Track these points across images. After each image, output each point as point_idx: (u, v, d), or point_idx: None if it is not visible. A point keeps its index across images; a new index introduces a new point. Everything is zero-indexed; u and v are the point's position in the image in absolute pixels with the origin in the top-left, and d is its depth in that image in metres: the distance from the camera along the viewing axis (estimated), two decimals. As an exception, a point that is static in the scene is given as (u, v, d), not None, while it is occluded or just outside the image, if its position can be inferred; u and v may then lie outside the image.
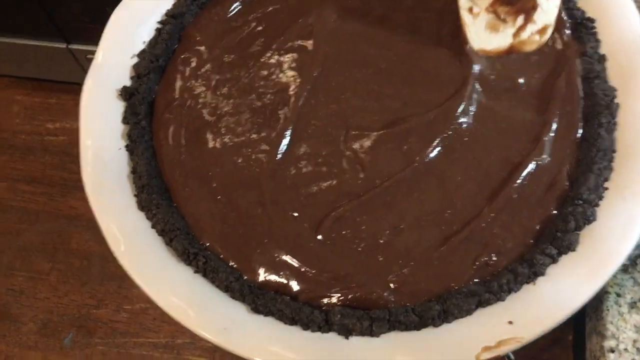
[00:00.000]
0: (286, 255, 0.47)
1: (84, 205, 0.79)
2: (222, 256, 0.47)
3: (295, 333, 0.44)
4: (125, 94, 0.52)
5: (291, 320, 0.44)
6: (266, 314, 0.45)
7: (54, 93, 0.83)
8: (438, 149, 0.49)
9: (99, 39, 0.74)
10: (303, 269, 0.46)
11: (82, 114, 0.50)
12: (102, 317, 0.69)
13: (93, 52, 0.77)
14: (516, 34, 0.52)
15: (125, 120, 0.52)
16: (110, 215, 0.47)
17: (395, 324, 0.43)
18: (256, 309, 0.45)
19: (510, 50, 0.52)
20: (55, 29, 0.73)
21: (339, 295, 0.45)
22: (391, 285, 0.45)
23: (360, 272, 0.46)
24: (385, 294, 0.45)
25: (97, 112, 0.51)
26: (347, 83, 0.53)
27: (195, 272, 0.46)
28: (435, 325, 0.43)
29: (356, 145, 0.50)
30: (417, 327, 0.43)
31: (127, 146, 0.51)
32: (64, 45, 0.75)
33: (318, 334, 0.44)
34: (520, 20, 0.51)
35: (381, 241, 0.47)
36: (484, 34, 0.52)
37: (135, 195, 0.49)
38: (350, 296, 0.45)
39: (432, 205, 0.48)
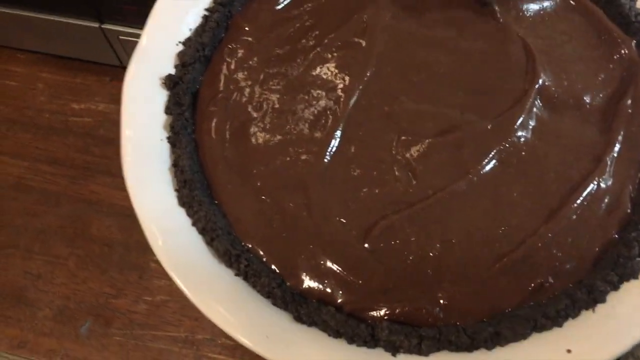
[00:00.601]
0: (332, 262, 0.45)
1: (106, 191, 0.77)
2: (264, 260, 0.45)
3: (339, 346, 0.42)
4: (170, 82, 0.50)
5: (336, 333, 0.42)
6: (309, 324, 0.43)
7: (81, 72, 0.81)
8: (494, 161, 0.47)
9: (133, 20, 0.72)
10: (349, 279, 0.44)
11: (124, 101, 0.48)
12: (120, 307, 0.67)
13: (126, 34, 0.75)
14: None
15: (168, 110, 0.50)
16: (150, 209, 0.45)
17: (445, 344, 0.41)
18: (299, 318, 0.43)
19: None
20: (90, 7, 0.70)
21: (386, 308, 0.43)
22: (441, 301, 0.43)
23: (408, 286, 0.44)
24: (434, 310, 0.43)
25: (139, 100, 0.49)
26: (401, 85, 0.50)
27: (236, 274, 0.44)
28: (488, 348, 0.41)
29: (408, 152, 0.48)
30: (469, 348, 0.41)
31: (169, 138, 0.49)
32: (96, 25, 0.73)
33: (363, 349, 0.42)
34: None
35: (431, 254, 0.45)
36: None
37: (176, 190, 0.47)
38: (397, 310, 0.43)
39: (486, 221, 0.46)
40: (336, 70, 0.51)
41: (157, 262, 0.71)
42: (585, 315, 0.42)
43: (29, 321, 0.70)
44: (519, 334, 0.41)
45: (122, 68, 0.81)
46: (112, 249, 0.73)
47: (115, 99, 0.81)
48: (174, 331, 0.68)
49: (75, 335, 0.69)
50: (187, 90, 0.50)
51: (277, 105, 0.50)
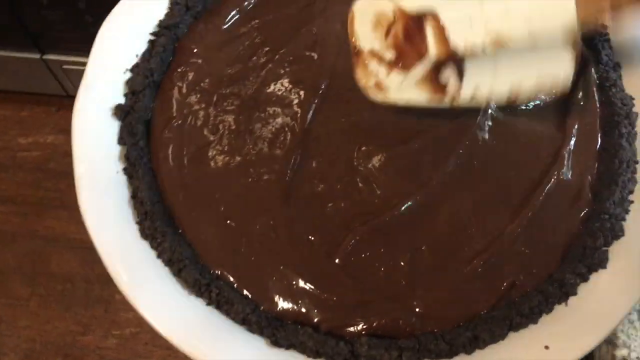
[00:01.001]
0: (304, 282, 0.44)
1: (62, 225, 0.74)
2: (235, 286, 0.44)
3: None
4: (120, 112, 0.49)
5: (315, 354, 0.42)
6: (287, 347, 0.42)
7: (26, 105, 0.78)
8: (455, 165, 0.47)
9: (76, 48, 0.70)
10: (323, 296, 0.44)
11: (75, 135, 0.46)
12: (89, 344, 0.65)
13: (70, 62, 0.73)
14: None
15: (121, 141, 0.48)
16: (112, 245, 0.44)
17: (425, 353, 0.41)
18: (276, 342, 0.42)
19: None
20: (29, 38, 0.68)
21: (363, 323, 0.43)
22: (417, 310, 0.43)
23: (383, 298, 0.44)
24: (411, 320, 0.43)
25: (90, 133, 0.47)
26: (356, 95, 0.50)
27: (208, 304, 0.43)
28: (467, 352, 0.41)
29: (370, 162, 0.48)
30: (448, 355, 0.41)
31: (125, 169, 0.47)
32: (37, 56, 0.70)
33: (346, 367, 0.41)
34: (389, 54, 0.45)
35: (402, 264, 0.45)
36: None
37: (137, 223, 0.45)
38: (374, 324, 0.43)
39: (453, 225, 0.46)
40: (290, 86, 0.51)
41: (123, 294, 0.70)
42: (559, 310, 0.42)
43: (-6, 369, 0.67)
44: (496, 335, 0.41)
45: (68, 97, 0.78)
46: (75, 284, 0.71)
47: (64, 129, 0.79)
48: (147, 363, 0.67)
49: (44, 378, 0.67)
50: (139, 119, 0.49)
51: (233, 126, 0.50)
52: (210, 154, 0.49)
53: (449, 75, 0.43)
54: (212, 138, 0.49)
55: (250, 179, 0.48)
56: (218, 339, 0.42)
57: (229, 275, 0.45)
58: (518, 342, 0.41)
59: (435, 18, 0.40)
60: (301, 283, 0.44)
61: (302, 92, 0.50)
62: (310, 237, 0.45)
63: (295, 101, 0.50)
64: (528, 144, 0.48)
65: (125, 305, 0.70)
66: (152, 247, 0.45)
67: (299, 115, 0.50)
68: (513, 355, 0.41)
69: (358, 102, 0.50)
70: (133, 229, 0.45)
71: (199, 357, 0.41)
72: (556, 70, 0.43)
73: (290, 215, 0.46)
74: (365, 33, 0.44)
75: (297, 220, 0.46)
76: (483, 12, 0.40)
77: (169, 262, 0.44)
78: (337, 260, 0.45)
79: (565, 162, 0.47)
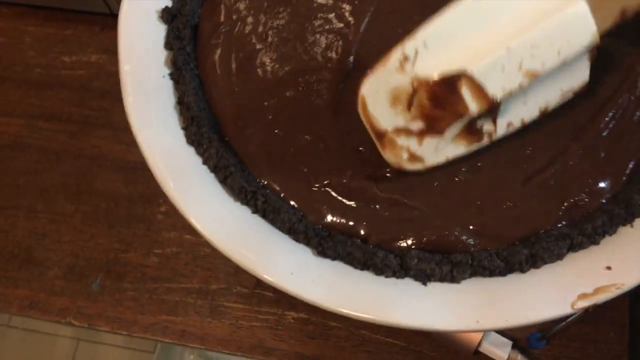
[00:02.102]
0: (353, 193, 0.42)
1: (107, 144, 0.74)
2: (282, 195, 0.43)
3: (367, 278, 0.40)
4: (167, 16, 0.47)
5: (362, 265, 0.40)
6: (334, 258, 0.41)
7: (69, 24, 0.77)
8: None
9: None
10: (372, 209, 0.42)
11: (120, 37, 0.45)
12: (131, 261, 0.65)
13: (115, -23, 0.71)
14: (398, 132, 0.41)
15: (168, 45, 0.46)
16: (157, 149, 0.43)
17: (478, 270, 0.40)
18: (323, 253, 0.41)
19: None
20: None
21: (413, 238, 0.41)
22: (470, 227, 0.41)
23: (435, 212, 0.42)
24: (464, 237, 0.41)
25: (135, 35, 0.46)
26: (414, 5, 0.47)
27: (254, 212, 0.42)
28: (523, 270, 0.39)
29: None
30: (503, 272, 0.39)
31: (171, 74, 0.46)
32: (81, -30, 0.69)
33: (392, 279, 0.40)
34: (417, 125, 0.40)
35: (457, 179, 0.43)
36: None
37: (183, 129, 0.44)
38: (425, 239, 0.41)
39: (511, 142, 0.44)
40: (344, -6, 0.48)
41: (164, 214, 0.69)
42: (623, 231, 0.40)
43: (39, 281, 0.69)
44: (554, 255, 0.39)
45: (112, 16, 0.77)
46: (118, 203, 0.71)
47: (108, 49, 0.78)
48: (188, 282, 0.67)
49: (87, 292, 0.67)
50: (186, 23, 0.47)
51: (283, 34, 0.47)
52: (258, 61, 0.47)
53: (483, 120, 0.40)
54: (261, 45, 0.47)
55: (300, 88, 0.46)
56: (264, 247, 0.41)
57: (275, 185, 0.43)
58: (577, 263, 0.39)
59: (467, 76, 0.37)
60: (350, 194, 0.42)
61: (356, 1, 0.48)
62: (360, 148, 0.44)
63: (349, 9, 0.48)
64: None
65: (166, 225, 0.70)
66: (198, 153, 0.44)
67: (352, 24, 0.47)
68: (571, 275, 0.39)
69: (415, 12, 0.47)
70: (179, 135, 0.44)
71: (245, 264, 0.40)
72: (577, 77, 0.41)
73: (340, 126, 0.44)
74: (384, 113, 0.40)
75: (348, 131, 0.44)
76: (511, 53, 0.37)
77: (214, 169, 0.43)
78: (388, 174, 0.43)
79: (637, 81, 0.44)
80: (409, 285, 0.39)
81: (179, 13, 0.47)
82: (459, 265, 0.39)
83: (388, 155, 0.42)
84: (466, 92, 0.38)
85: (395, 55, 0.39)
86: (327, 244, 0.40)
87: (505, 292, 0.38)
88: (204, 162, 0.43)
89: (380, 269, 0.40)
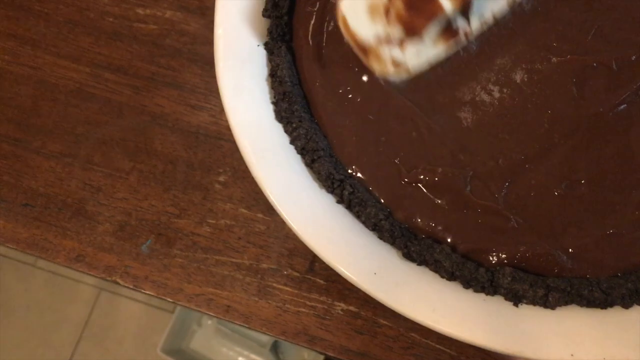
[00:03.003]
0: (448, 195, 0.40)
1: (172, 105, 0.72)
2: (370, 188, 0.40)
3: (454, 290, 0.38)
4: (268, -19, 0.44)
5: (450, 275, 0.37)
6: (420, 263, 0.38)
7: (147, -25, 0.74)
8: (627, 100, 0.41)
9: None
10: (465, 215, 0.39)
11: (219, 2, 0.42)
12: (183, 228, 0.63)
13: None
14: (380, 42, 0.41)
15: (265, 12, 0.44)
16: (245, 122, 0.40)
17: (576, 298, 0.37)
18: (409, 256, 0.38)
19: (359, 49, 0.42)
20: None
21: (506, 252, 0.38)
22: (569, 250, 0.38)
23: (531, 226, 0.39)
24: (562, 258, 0.38)
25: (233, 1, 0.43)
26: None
27: (338, 202, 0.40)
28: (625, 306, 0.36)
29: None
30: (602, 305, 0.36)
31: (266, 44, 0.43)
32: None
33: (481, 295, 0.37)
34: (397, 32, 0.41)
35: (556, 193, 0.40)
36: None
37: (273, 103, 0.42)
38: (518, 255, 0.38)
39: (618, 164, 0.40)
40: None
41: (222, 185, 0.67)
42: None
43: (88, 234, 0.67)
44: (660, 293, 0.36)
45: (191, -27, 0.74)
46: (176, 166, 0.69)
47: (183, 6, 0.75)
48: (238, 257, 0.65)
49: (136, 253, 0.66)
50: (287, -9, 0.44)
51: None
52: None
53: (458, 19, 0.41)
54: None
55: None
56: (346, 240, 0.38)
57: (364, 175, 0.41)
58: (686, 305, 0.36)
59: None
60: (442, 194, 0.40)
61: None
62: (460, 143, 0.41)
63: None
64: None
65: (223, 196, 0.68)
66: (286, 131, 0.41)
67: None
68: (679, 318, 0.35)
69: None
70: (268, 109, 0.42)
71: (325, 255, 0.37)
72: None
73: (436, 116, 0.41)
74: (363, 25, 0.41)
75: (442, 122, 0.41)
76: None
77: (302, 150, 0.41)
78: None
79: None
80: (499, 303, 0.37)
81: (280, -21, 0.44)
82: (555, 291, 0.36)
83: (375, 67, 0.42)
84: None
85: None
86: (413, 246, 0.38)
87: (604, 325, 0.35)
88: (292, 142, 0.41)
89: (468, 282, 0.37)
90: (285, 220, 0.38)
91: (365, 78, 0.42)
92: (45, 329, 1.63)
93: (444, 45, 0.41)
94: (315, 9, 0.44)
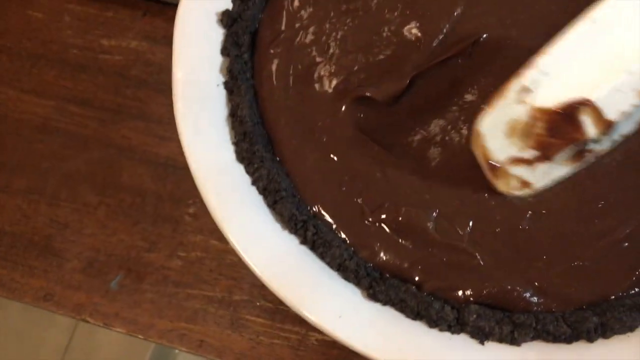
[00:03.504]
0: (410, 232, 0.39)
1: (139, 137, 0.71)
2: (334, 227, 0.40)
3: (418, 330, 0.37)
4: (227, 19, 0.44)
5: (415, 315, 0.37)
6: (385, 303, 0.38)
7: (111, 5, 0.74)
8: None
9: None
10: (430, 253, 0.39)
11: (177, 38, 0.42)
12: (153, 262, 0.62)
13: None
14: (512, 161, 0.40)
15: (225, 51, 0.43)
16: (205, 164, 0.40)
17: (542, 334, 0.36)
18: (374, 296, 0.38)
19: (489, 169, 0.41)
20: None
21: (472, 289, 0.38)
22: (535, 283, 0.38)
23: (497, 263, 0.39)
24: (527, 294, 0.38)
25: (192, 38, 0.43)
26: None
27: (302, 243, 0.39)
28: (591, 340, 0.36)
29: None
30: (568, 340, 0.36)
31: (225, 83, 0.43)
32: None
33: (446, 334, 0.37)
34: (532, 153, 0.39)
35: (520, 227, 0.40)
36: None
37: (234, 144, 0.41)
38: (485, 292, 0.38)
39: (580, 193, 0.40)
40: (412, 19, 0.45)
41: (192, 216, 0.67)
42: None
43: (56, 272, 0.66)
44: (626, 326, 0.36)
45: (155, 2, 0.74)
46: (145, 199, 0.68)
47: (149, 36, 0.75)
48: (210, 290, 0.64)
49: (105, 290, 0.65)
50: (246, 29, 0.44)
51: (347, 46, 0.44)
52: (316, 75, 0.44)
53: (595, 142, 0.40)
54: (321, 58, 0.44)
55: (359, 109, 0.42)
56: (310, 282, 0.38)
57: (327, 214, 0.40)
58: (651, 338, 0.36)
59: (589, 104, 0.37)
60: (406, 234, 0.39)
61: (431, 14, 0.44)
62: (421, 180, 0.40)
63: (418, 27, 0.44)
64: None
65: (194, 228, 0.67)
66: (248, 172, 0.41)
67: (422, 41, 0.44)
68: (643, 351, 0.36)
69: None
70: (229, 150, 0.41)
71: (289, 299, 0.37)
72: None
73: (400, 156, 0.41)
74: (499, 145, 0.40)
75: (407, 160, 0.41)
76: (631, 77, 0.37)
77: (264, 191, 0.40)
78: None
79: None
80: (464, 341, 0.36)
81: (239, 17, 0.44)
82: (521, 327, 0.36)
83: (500, 185, 0.40)
84: (586, 119, 0.37)
85: (514, 86, 0.38)
86: (378, 286, 0.37)
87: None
88: (253, 183, 0.40)
89: (434, 321, 0.37)
90: (245, 263, 0.37)
91: (332, 120, 0.42)
92: (24, 356, 1.60)
93: (573, 165, 0.40)
94: (279, 51, 0.44)
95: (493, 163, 0.39)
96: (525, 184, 0.40)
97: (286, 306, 0.63)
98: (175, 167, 0.69)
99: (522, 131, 0.38)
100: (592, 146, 0.39)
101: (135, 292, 0.64)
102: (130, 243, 0.66)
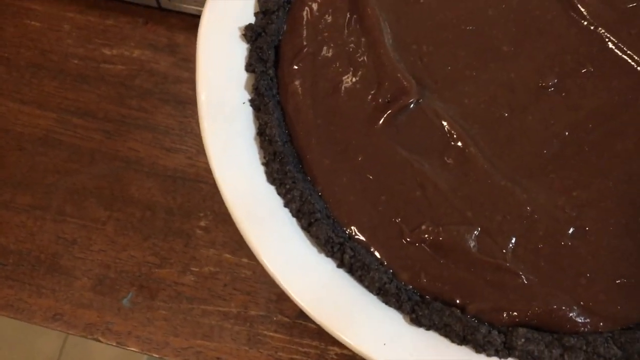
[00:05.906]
0: (450, 252, 0.38)
1: (146, 148, 0.69)
2: (372, 249, 0.38)
3: (464, 355, 0.36)
4: (251, 34, 0.42)
5: (461, 339, 0.36)
6: (429, 328, 0.36)
7: (111, 13, 0.72)
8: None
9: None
10: (471, 272, 0.38)
11: (200, 57, 0.40)
12: (165, 278, 0.60)
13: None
14: None
15: (249, 67, 0.42)
16: (235, 187, 0.38)
17: (593, 356, 0.35)
18: (417, 320, 0.37)
19: None
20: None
21: (516, 310, 0.37)
22: (581, 302, 0.37)
23: (540, 281, 0.38)
24: (573, 314, 0.37)
25: (215, 55, 0.41)
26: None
27: (339, 266, 0.38)
28: (642, 361, 0.35)
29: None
30: (619, 362, 0.35)
31: (252, 101, 0.41)
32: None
33: (494, 359, 0.36)
34: None
35: (562, 243, 0.39)
36: None
37: (263, 164, 0.40)
38: (529, 312, 0.37)
39: (623, 207, 0.39)
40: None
41: (204, 230, 0.65)
42: None
43: (65, 291, 0.64)
44: (677, 346, 0.35)
45: (159, 10, 0.72)
46: (155, 213, 0.66)
47: (152, 44, 0.73)
48: (225, 306, 0.63)
49: (117, 307, 0.63)
50: (270, 44, 0.42)
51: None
52: (344, 90, 0.42)
53: None
54: (349, 73, 0.43)
55: (392, 127, 0.41)
56: (351, 309, 0.36)
57: (363, 236, 0.39)
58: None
59: None
60: (447, 253, 0.38)
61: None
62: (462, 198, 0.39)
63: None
64: None
65: (206, 242, 0.66)
66: (279, 193, 0.39)
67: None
68: (698, 372, 0.35)
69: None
70: (258, 170, 0.40)
71: (331, 328, 0.35)
72: None
73: (438, 172, 0.40)
74: None
75: (445, 178, 0.40)
76: None
77: (297, 213, 0.39)
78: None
79: None
80: (512, 366, 0.35)
81: (263, 31, 0.42)
82: (571, 350, 0.35)
83: None
84: None
85: None
86: (421, 310, 0.36)
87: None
88: (286, 205, 0.39)
89: (481, 346, 0.35)
90: (286, 292, 0.36)
91: (367, 138, 0.40)
92: (16, 366, 1.57)
93: None
94: (303, 66, 0.42)
95: None
96: None
97: (304, 320, 0.62)
98: (184, 179, 0.68)
99: None
100: None
101: (148, 310, 0.63)
102: (141, 259, 0.64)
